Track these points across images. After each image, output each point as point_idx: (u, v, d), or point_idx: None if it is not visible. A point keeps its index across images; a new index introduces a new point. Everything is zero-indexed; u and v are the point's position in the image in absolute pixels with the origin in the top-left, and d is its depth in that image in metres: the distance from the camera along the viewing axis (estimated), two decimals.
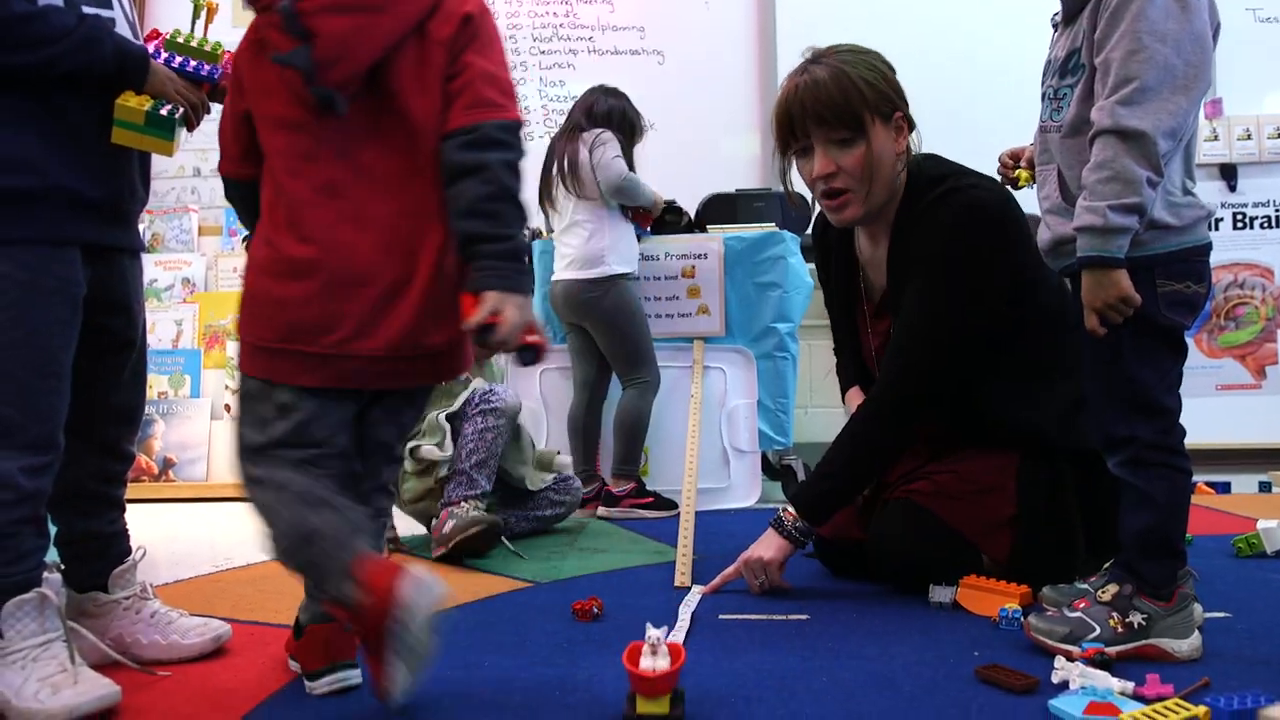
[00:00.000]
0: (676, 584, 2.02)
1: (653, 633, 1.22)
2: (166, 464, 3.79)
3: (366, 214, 1.31)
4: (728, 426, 3.27)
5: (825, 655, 1.46)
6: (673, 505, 3.03)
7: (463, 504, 2.36)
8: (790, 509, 1.86)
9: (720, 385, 3.30)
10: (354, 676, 1.36)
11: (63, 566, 1.54)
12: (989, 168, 1.93)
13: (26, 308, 1.32)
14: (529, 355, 1.29)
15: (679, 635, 1.60)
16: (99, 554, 1.55)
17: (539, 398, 3.39)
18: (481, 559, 2.34)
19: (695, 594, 1.88)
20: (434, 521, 2.40)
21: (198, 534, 2.92)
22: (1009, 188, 1.88)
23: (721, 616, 1.75)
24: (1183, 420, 1.45)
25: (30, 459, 1.31)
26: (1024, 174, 1.83)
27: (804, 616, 1.71)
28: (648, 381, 3.12)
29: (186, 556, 2.57)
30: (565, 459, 2.91)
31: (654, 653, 1.21)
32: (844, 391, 2.13)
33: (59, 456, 1.36)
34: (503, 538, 2.42)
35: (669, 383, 3.20)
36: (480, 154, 1.29)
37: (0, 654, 1.26)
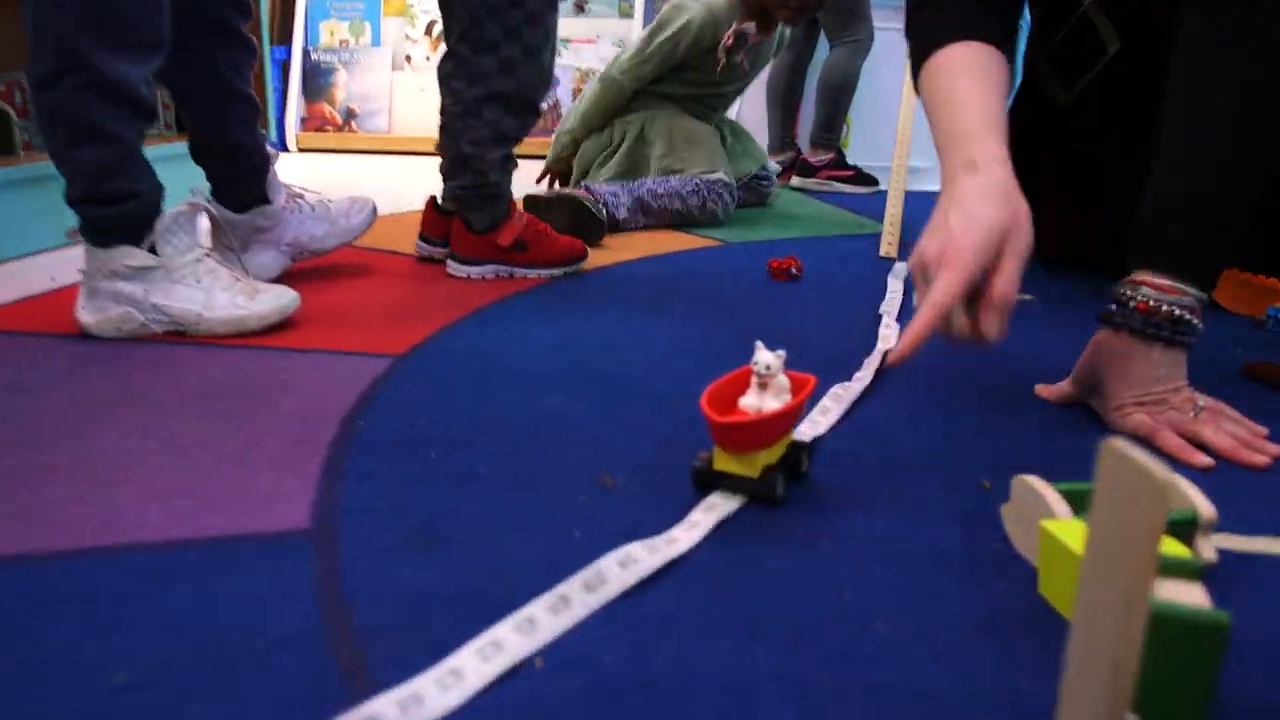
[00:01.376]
0: (882, 253, 1.82)
1: (764, 356, 0.76)
2: (349, 114, 3.73)
3: None
4: None
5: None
6: (874, 181, 2.76)
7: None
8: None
9: None
10: None
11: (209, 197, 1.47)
12: None
13: None
14: None
15: (888, 315, 1.37)
16: (257, 168, 1.46)
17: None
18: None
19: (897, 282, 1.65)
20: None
21: (380, 184, 2.86)
22: None
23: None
24: None
25: (145, 58, 1.16)
26: None
27: (1029, 297, 1.47)
28: (859, 41, 2.75)
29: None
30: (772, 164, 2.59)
31: (762, 386, 0.77)
32: (929, 49, 1.10)
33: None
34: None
35: (883, 46, 2.81)
36: None
37: (167, 272, 1.18)
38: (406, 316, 1.32)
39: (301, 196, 1.53)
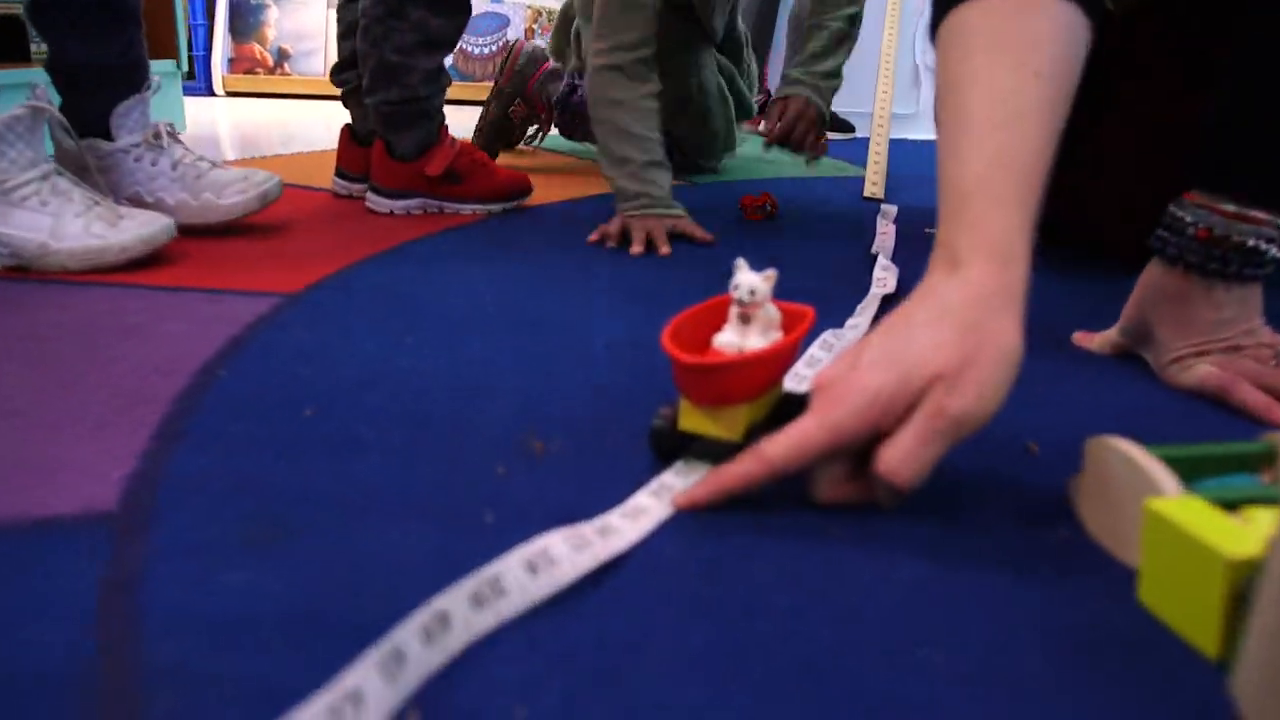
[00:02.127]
0: (866, 194, 1.62)
1: (747, 278, 0.56)
2: (281, 55, 3.45)
3: None
4: (923, 40, 2.68)
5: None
6: (851, 127, 2.56)
7: None
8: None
9: None
10: None
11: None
12: None
13: None
14: None
15: (883, 253, 1.15)
16: (98, 84, 1.12)
17: None
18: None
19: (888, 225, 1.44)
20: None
21: (312, 131, 2.61)
22: None
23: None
24: None
25: None
26: None
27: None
28: None
29: (290, 139, 2.27)
30: None
31: (744, 319, 0.57)
32: None
33: None
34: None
35: None
36: None
37: (2, 193, 0.95)
38: (308, 254, 1.10)
39: (167, 148, 1.16)
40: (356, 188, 1.44)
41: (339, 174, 1.47)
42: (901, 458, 0.49)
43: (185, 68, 2.35)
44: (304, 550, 0.47)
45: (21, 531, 0.49)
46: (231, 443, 0.60)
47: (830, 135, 2.55)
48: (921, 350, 0.51)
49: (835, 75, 1.65)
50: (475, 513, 0.52)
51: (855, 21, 1.66)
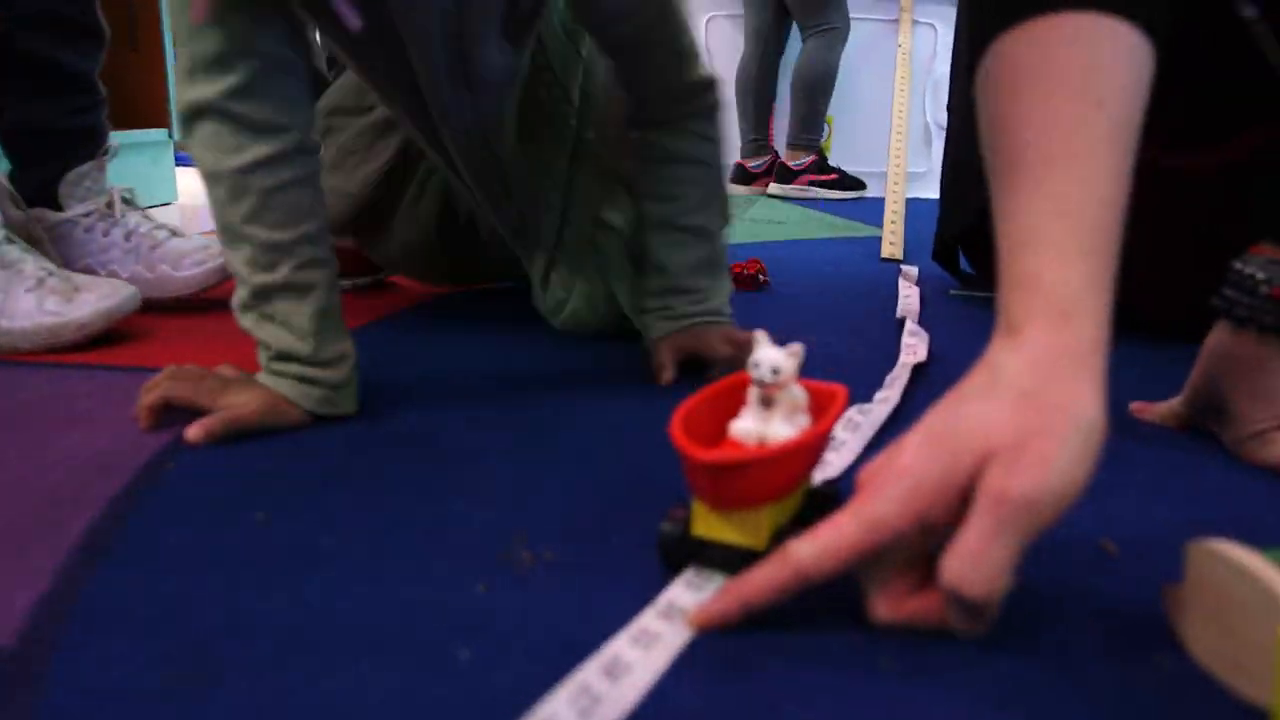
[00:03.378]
0: (884, 255, 1.54)
1: (769, 354, 0.46)
2: None
3: None
4: (933, 98, 2.63)
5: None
6: (861, 185, 2.50)
7: None
8: None
9: (929, 44, 2.64)
10: None
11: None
12: None
13: None
14: None
15: (910, 318, 1.06)
16: (46, 151, 1.06)
17: (704, 50, 2.81)
18: None
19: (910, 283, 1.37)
20: None
21: None
22: None
23: (953, 293, 1.27)
24: None
25: None
26: None
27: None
28: (836, 29, 2.49)
29: None
30: None
31: (765, 403, 0.48)
32: (994, 27, 0.55)
33: None
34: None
35: (862, 39, 2.57)
36: None
37: None
38: None
39: (121, 218, 1.08)
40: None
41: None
42: (968, 562, 0.40)
43: (178, 136, 2.30)
44: (234, 698, 0.38)
45: None
46: (165, 557, 0.51)
47: (838, 194, 2.50)
48: (970, 425, 0.42)
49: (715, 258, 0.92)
50: (448, 646, 0.42)
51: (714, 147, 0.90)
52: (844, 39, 2.50)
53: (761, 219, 2.05)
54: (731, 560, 0.46)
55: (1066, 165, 0.48)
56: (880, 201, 2.07)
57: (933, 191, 2.59)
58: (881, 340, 0.99)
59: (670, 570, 0.48)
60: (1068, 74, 0.51)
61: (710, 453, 0.45)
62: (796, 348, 0.47)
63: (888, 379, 0.84)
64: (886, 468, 0.43)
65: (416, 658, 0.41)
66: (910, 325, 0.99)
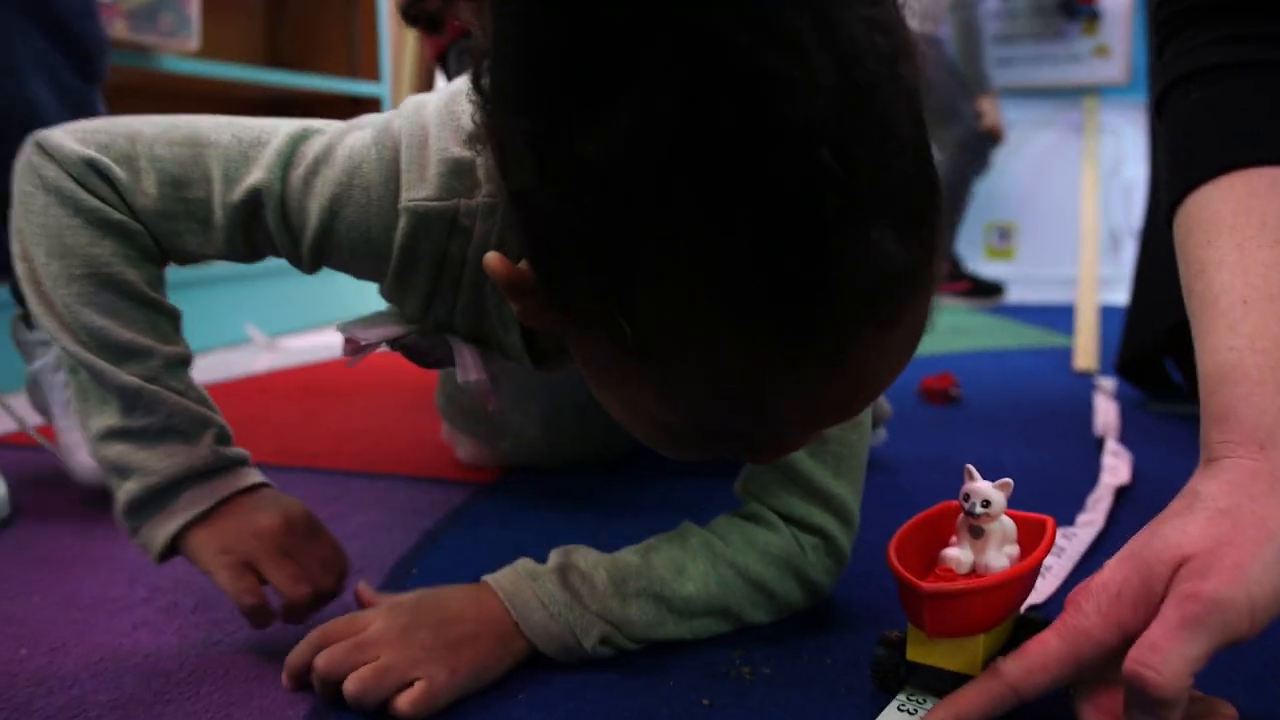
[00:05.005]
0: (1079, 367, 1.51)
1: (981, 486, 0.49)
2: None
3: None
4: (1122, 203, 2.58)
5: None
6: (998, 290, 2.47)
7: None
8: None
9: (1111, 151, 2.60)
10: None
11: None
12: None
13: None
14: None
15: (1110, 437, 1.03)
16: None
17: None
18: None
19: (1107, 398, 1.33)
20: None
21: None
22: None
23: (1153, 406, 1.23)
24: None
25: None
26: None
27: None
28: (963, 142, 2.40)
29: None
30: None
31: (975, 534, 0.50)
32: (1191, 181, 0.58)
33: None
34: None
35: (1045, 146, 2.56)
36: None
37: None
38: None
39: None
40: None
41: None
42: (1149, 651, 0.41)
43: None
44: None
45: None
46: None
47: (975, 302, 2.46)
48: (1167, 539, 0.45)
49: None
50: None
51: None
52: (982, 155, 2.44)
53: (947, 328, 2.05)
54: (945, 684, 0.49)
55: (1261, 306, 0.51)
56: (1065, 308, 2.03)
57: (1120, 296, 2.53)
58: (1080, 458, 0.98)
59: (881, 691, 0.51)
60: (1262, 221, 0.53)
61: (932, 583, 0.48)
62: (1006, 481, 0.50)
63: (1089, 500, 0.83)
64: (1085, 586, 0.46)
65: None
66: (1111, 444, 0.98)
